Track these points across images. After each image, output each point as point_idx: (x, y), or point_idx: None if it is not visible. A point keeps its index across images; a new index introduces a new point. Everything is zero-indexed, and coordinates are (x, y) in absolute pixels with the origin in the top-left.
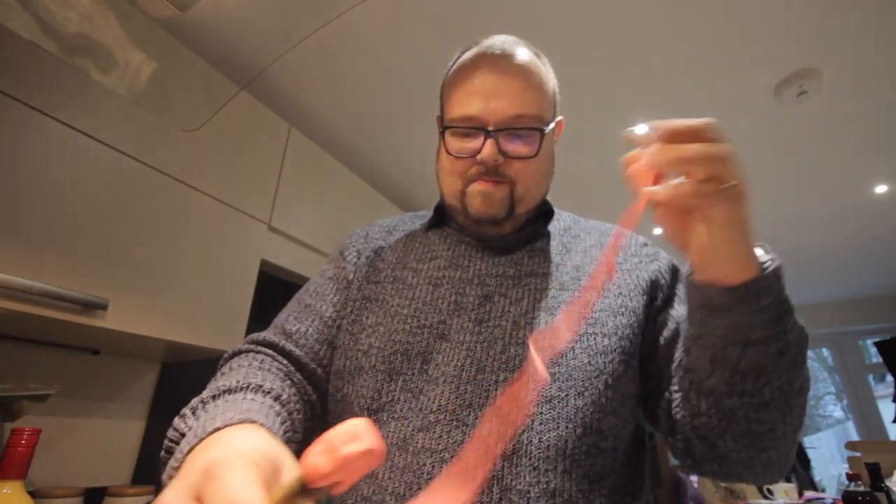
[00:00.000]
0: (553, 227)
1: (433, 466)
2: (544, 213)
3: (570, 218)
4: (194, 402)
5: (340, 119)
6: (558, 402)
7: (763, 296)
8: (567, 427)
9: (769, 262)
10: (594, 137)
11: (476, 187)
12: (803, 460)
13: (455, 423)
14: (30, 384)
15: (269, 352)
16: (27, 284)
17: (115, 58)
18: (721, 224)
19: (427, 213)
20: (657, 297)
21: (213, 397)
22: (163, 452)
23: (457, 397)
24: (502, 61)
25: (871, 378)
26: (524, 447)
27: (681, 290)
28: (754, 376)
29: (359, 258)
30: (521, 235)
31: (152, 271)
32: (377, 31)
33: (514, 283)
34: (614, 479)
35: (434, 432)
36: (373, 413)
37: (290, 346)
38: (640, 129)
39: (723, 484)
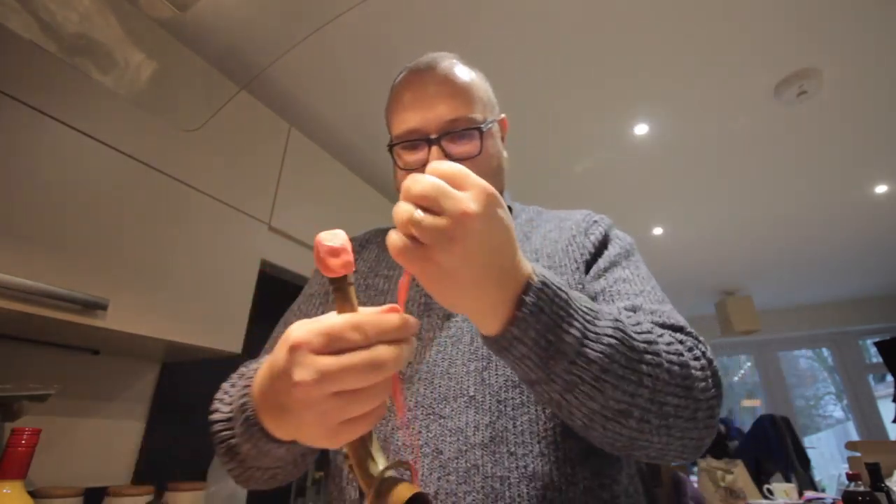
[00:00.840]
0: (517, 220)
1: (413, 462)
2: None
3: (533, 211)
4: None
5: (340, 119)
6: (526, 387)
7: (514, 347)
8: (537, 410)
9: (522, 313)
10: (594, 137)
11: None
12: (803, 460)
13: (432, 416)
14: (30, 384)
15: None
16: (27, 284)
17: (115, 58)
18: (440, 281)
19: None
20: (586, 271)
21: (240, 375)
22: (212, 417)
23: (431, 392)
24: (429, 74)
25: (871, 378)
26: (500, 434)
27: (602, 259)
28: (556, 406)
29: None
30: None
31: (152, 271)
32: (377, 31)
33: None
34: (598, 462)
35: (412, 428)
36: None
37: None
38: (641, 129)
39: (722, 484)
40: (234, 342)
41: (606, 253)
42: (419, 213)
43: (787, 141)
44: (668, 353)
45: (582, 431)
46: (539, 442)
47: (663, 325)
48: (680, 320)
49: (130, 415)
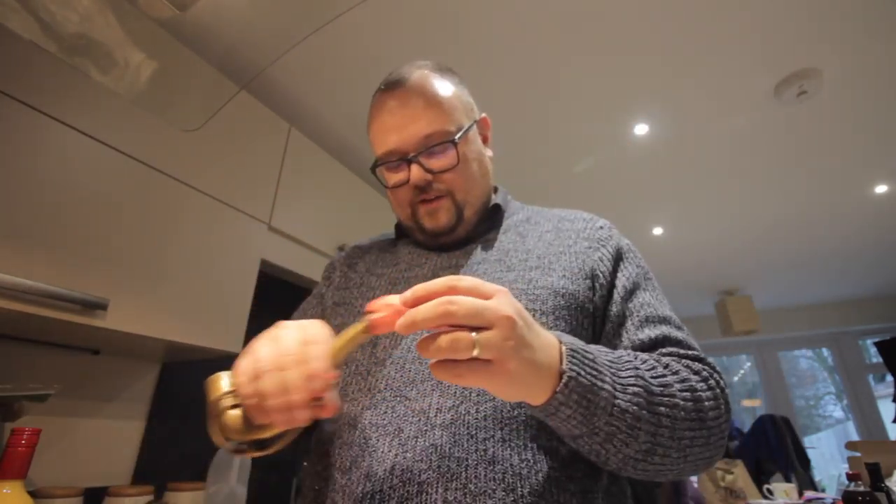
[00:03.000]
0: (512, 219)
1: (377, 440)
2: (496, 207)
3: (532, 210)
4: None
5: (340, 119)
6: None
7: (560, 412)
8: (501, 399)
9: (564, 382)
10: (594, 137)
11: (422, 209)
12: (803, 460)
13: (399, 398)
14: (30, 384)
15: None
16: (27, 284)
17: (114, 58)
18: (510, 385)
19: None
20: (596, 286)
21: None
22: None
23: (401, 375)
24: (400, 93)
25: (871, 378)
26: (462, 417)
27: (622, 278)
28: (595, 456)
29: (335, 273)
30: (477, 230)
31: (152, 271)
32: (377, 31)
33: (464, 272)
34: (567, 454)
35: (379, 409)
36: None
37: None
38: (641, 129)
39: (722, 484)
40: (234, 342)
41: (626, 271)
42: (475, 335)
43: (787, 141)
44: (681, 391)
45: (616, 471)
46: (501, 429)
47: (685, 357)
48: (695, 347)
49: (130, 415)
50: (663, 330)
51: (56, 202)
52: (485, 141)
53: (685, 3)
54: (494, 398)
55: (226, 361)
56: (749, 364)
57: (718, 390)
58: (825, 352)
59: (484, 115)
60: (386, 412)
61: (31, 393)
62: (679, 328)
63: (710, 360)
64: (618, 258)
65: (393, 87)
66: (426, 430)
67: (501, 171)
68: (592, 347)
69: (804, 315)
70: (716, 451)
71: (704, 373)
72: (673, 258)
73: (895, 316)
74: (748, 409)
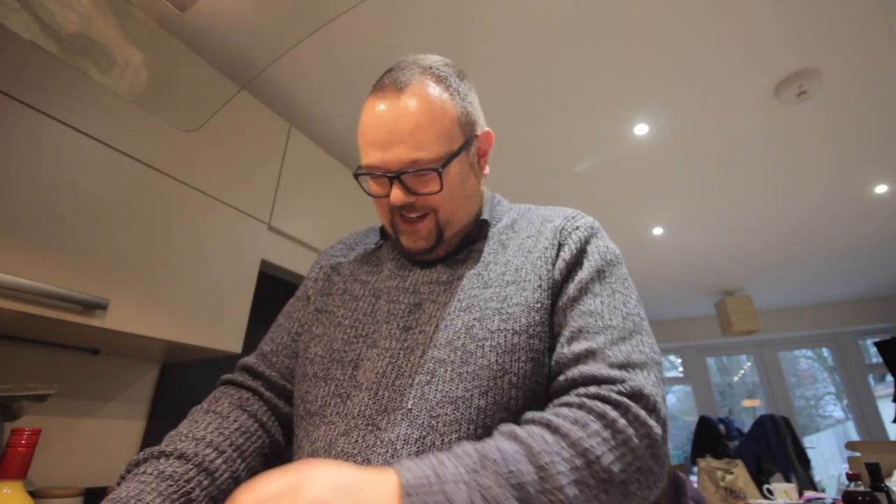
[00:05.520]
0: (497, 226)
1: None
2: (482, 222)
3: (518, 211)
4: (125, 468)
5: (340, 119)
6: (462, 403)
7: None
8: (469, 428)
9: None
10: (594, 138)
11: (403, 226)
12: (803, 460)
13: (370, 427)
14: (30, 384)
15: (241, 378)
16: (27, 284)
17: (114, 58)
18: None
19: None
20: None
21: (127, 471)
22: None
23: (374, 402)
24: (391, 103)
25: (871, 378)
26: (428, 449)
27: (571, 284)
28: None
29: (319, 274)
30: (462, 243)
31: (152, 271)
32: (377, 31)
33: (444, 288)
34: None
35: (352, 437)
36: (309, 417)
37: (261, 368)
38: (641, 129)
39: (722, 484)
40: (233, 342)
41: (579, 275)
42: None
43: (787, 141)
44: (570, 469)
45: None
46: None
47: (594, 397)
48: (624, 362)
49: (130, 415)
50: (595, 342)
51: (56, 202)
52: (483, 156)
53: (685, 3)
54: (460, 429)
55: (226, 361)
56: (749, 364)
57: (631, 430)
58: (825, 352)
59: (487, 129)
60: (357, 441)
61: (31, 393)
62: (623, 339)
63: (634, 381)
64: (576, 261)
65: (386, 94)
66: (391, 463)
67: (502, 171)
68: (449, 473)
69: (804, 315)
70: (648, 493)
71: (611, 414)
72: (673, 258)
73: (895, 316)
74: (748, 409)
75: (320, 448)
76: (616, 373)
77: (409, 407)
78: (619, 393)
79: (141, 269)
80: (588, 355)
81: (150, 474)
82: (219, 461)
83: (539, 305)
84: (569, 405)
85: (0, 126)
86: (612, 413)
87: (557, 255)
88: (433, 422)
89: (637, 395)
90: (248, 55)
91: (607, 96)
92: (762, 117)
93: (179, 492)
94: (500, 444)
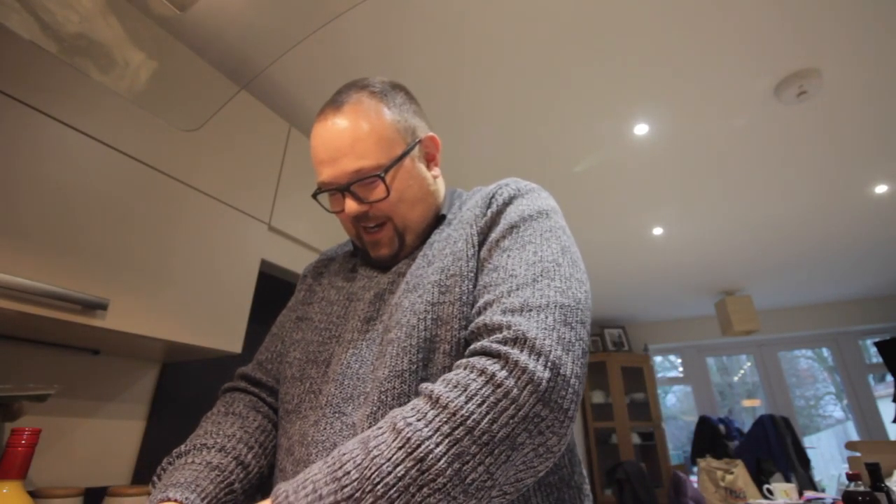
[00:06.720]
0: (448, 218)
1: (317, 456)
2: (441, 218)
3: (467, 196)
4: (166, 459)
5: None
6: (409, 376)
7: None
8: (413, 397)
9: None
10: (594, 138)
11: (366, 239)
12: (803, 460)
13: (337, 415)
14: (30, 384)
15: (244, 385)
16: (27, 284)
17: (114, 58)
18: None
19: None
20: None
21: (170, 462)
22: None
23: (340, 392)
24: (330, 122)
25: (871, 378)
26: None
27: (484, 248)
28: None
29: (302, 286)
30: (423, 238)
31: (152, 271)
32: (377, 30)
33: (401, 278)
34: None
35: (321, 425)
36: (287, 415)
37: (258, 375)
38: (641, 129)
39: (722, 484)
40: (234, 342)
41: (492, 236)
42: None
43: (787, 141)
44: (452, 456)
45: None
46: None
47: (483, 352)
48: (531, 303)
49: (130, 415)
50: (489, 296)
51: (56, 202)
52: (431, 159)
53: (685, 3)
54: (409, 401)
55: (225, 361)
56: (749, 364)
57: (511, 381)
58: (825, 352)
59: (430, 133)
60: (325, 428)
61: (31, 393)
62: (520, 287)
63: (518, 325)
64: (492, 222)
65: (327, 115)
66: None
67: (501, 170)
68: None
69: (804, 315)
70: (544, 438)
71: (490, 368)
72: (673, 258)
73: (895, 316)
74: (748, 409)
75: (295, 442)
76: (503, 318)
77: (367, 390)
78: (501, 341)
79: (141, 269)
80: (486, 307)
81: (199, 464)
82: (249, 456)
83: (471, 273)
84: (457, 366)
85: (0, 126)
86: (492, 367)
87: (479, 222)
88: (383, 396)
89: (520, 340)
90: (248, 55)
91: (607, 96)
92: (762, 117)
93: (224, 482)
94: (379, 443)
